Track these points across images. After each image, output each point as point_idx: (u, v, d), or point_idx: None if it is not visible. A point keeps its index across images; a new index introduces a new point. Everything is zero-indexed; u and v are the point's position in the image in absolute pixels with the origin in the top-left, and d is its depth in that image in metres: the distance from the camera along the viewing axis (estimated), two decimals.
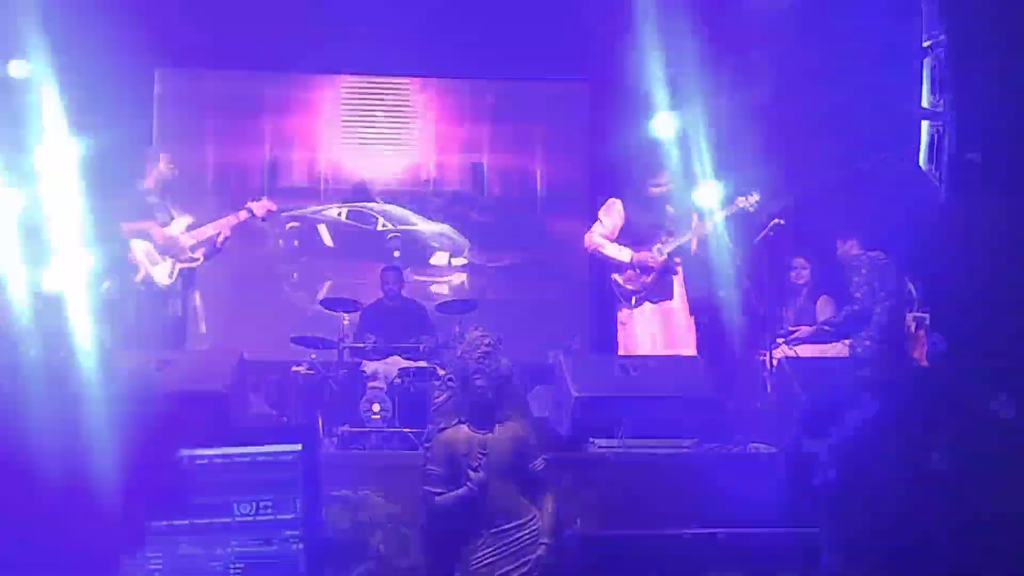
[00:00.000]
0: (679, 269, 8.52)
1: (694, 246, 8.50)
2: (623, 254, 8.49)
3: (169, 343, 8.38)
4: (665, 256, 8.43)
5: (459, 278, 12.11)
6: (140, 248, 8.26)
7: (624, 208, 8.65)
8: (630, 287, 8.47)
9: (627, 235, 8.57)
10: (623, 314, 8.57)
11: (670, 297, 8.48)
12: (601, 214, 8.72)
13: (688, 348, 8.42)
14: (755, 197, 8.68)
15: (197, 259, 8.49)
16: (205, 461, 2.90)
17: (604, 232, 8.60)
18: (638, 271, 8.46)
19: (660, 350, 8.36)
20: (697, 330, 8.61)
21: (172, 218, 8.55)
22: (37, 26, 10.74)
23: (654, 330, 8.42)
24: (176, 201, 8.96)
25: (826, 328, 8.80)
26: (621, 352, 8.50)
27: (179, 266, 8.33)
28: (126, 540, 1.07)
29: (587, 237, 8.70)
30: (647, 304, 8.47)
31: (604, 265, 8.79)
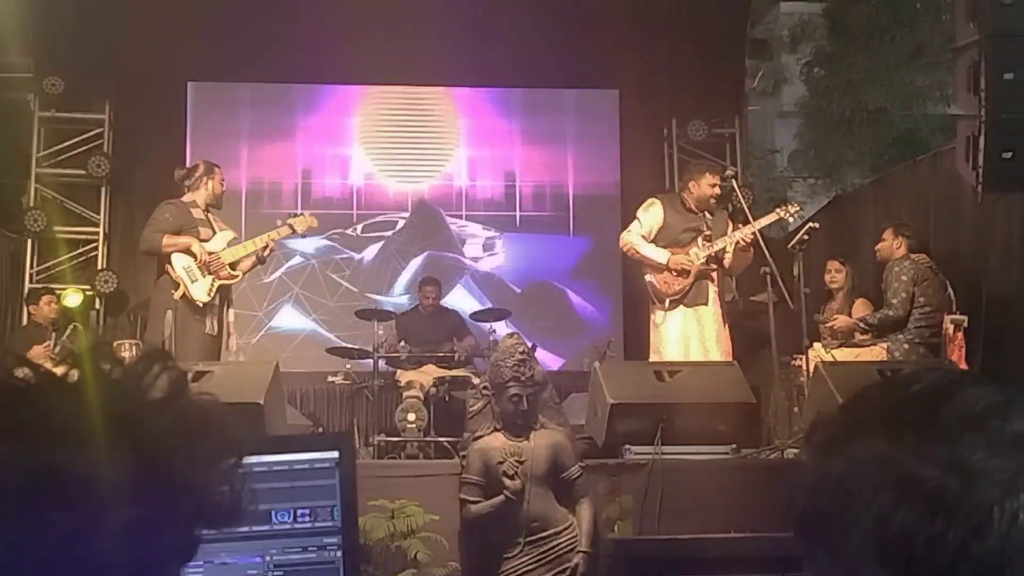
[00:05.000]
0: (715, 275, 8.35)
1: (731, 251, 8.32)
2: (660, 255, 8.26)
3: (203, 361, 8.26)
4: (702, 260, 8.23)
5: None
6: (180, 264, 8.02)
7: (663, 210, 8.43)
8: (665, 290, 8.29)
9: (664, 239, 8.36)
10: (657, 316, 8.38)
11: (705, 302, 8.31)
12: (640, 213, 8.49)
13: (720, 353, 8.26)
14: (795, 208, 8.61)
15: (236, 275, 8.26)
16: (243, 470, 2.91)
17: (642, 232, 8.36)
18: (675, 274, 8.26)
19: (692, 353, 8.21)
20: (732, 335, 8.48)
21: (214, 233, 8.36)
22: (70, 42, 10.84)
23: (688, 333, 8.25)
24: (216, 215, 8.79)
25: (862, 325, 8.71)
26: (652, 354, 8.37)
27: (218, 283, 8.09)
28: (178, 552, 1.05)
29: (623, 237, 8.47)
30: (681, 307, 8.27)
31: (639, 267, 8.57)
